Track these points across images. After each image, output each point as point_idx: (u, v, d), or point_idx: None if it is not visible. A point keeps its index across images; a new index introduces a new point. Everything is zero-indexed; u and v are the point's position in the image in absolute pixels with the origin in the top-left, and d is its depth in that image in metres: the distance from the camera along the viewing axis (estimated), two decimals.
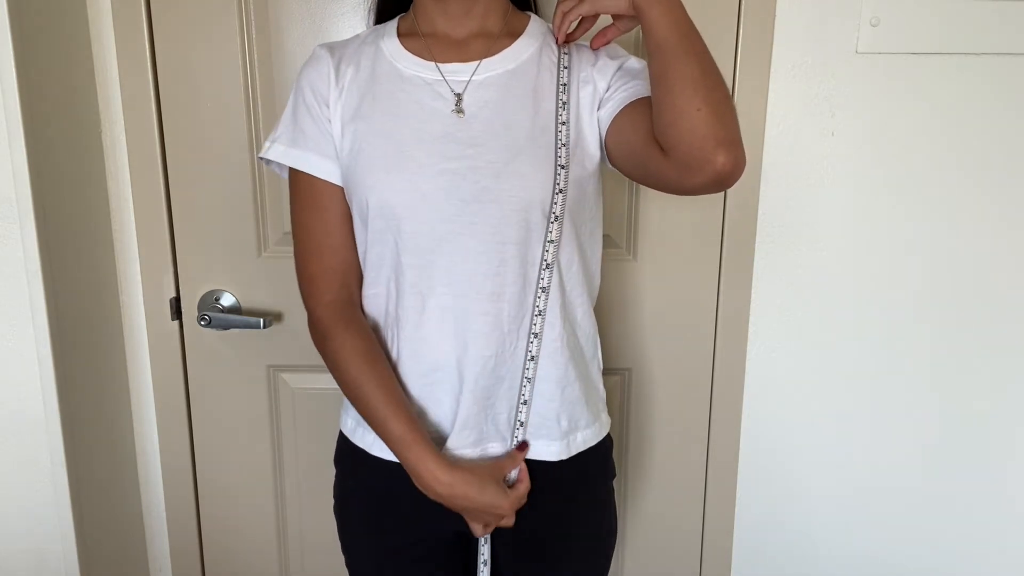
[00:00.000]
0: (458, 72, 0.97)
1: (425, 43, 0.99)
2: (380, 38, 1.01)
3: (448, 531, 1.04)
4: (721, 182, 0.84)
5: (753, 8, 1.27)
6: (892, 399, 1.43)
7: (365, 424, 1.01)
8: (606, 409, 1.11)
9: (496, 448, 1.01)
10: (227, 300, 1.40)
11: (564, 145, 0.95)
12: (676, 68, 0.84)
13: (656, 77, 0.86)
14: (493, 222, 0.93)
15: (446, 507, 0.97)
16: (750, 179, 1.33)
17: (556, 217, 0.95)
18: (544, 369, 0.99)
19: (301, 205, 1.01)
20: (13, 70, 1.12)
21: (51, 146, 1.21)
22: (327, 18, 1.30)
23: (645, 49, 0.87)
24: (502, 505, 0.96)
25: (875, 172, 1.34)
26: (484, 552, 1.03)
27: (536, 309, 0.96)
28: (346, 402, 1.05)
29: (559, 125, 0.95)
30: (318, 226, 1.00)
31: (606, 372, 1.12)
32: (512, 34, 0.99)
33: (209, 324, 1.36)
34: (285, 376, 1.44)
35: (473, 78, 0.96)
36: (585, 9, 0.91)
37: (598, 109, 0.97)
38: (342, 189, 0.99)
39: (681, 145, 0.83)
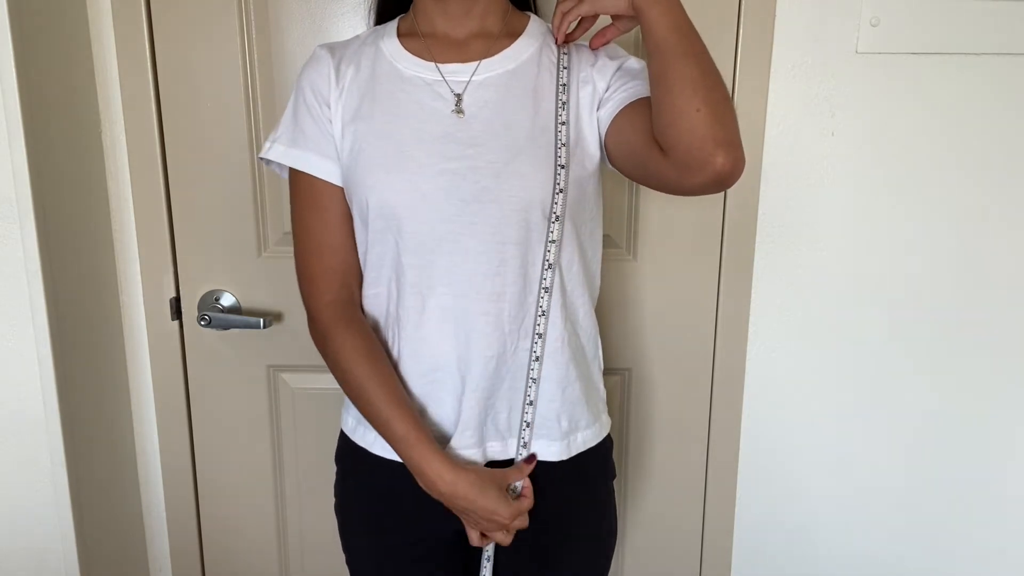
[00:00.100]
0: (458, 72, 0.97)
1: (425, 43, 0.99)
2: (380, 38, 1.01)
3: (448, 531, 1.04)
4: (720, 182, 0.84)
5: (753, 8, 1.27)
6: (892, 399, 1.43)
7: (366, 423, 1.01)
8: (607, 410, 1.11)
9: (495, 447, 1.01)
10: (227, 300, 1.40)
11: (564, 145, 0.95)
12: (675, 68, 0.84)
13: (655, 77, 0.86)
14: (493, 222, 0.93)
15: (447, 507, 0.97)
16: (750, 179, 1.33)
17: (557, 217, 0.95)
18: (545, 369, 0.99)
19: (301, 205, 1.01)
20: (13, 70, 1.12)
21: (51, 146, 1.21)
22: (327, 18, 1.30)
23: (645, 49, 0.87)
24: (500, 512, 0.96)
25: (875, 172, 1.34)
26: (488, 549, 1.03)
27: (540, 309, 0.97)
28: (347, 401, 1.05)
29: (559, 125, 0.95)
30: (318, 226, 1.00)
31: (606, 372, 1.12)
32: (512, 34, 0.99)
33: (209, 324, 1.36)
34: (285, 376, 1.44)
35: (473, 78, 0.96)
36: (584, 9, 0.91)
37: (598, 109, 0.97)
38: (342, 189, 0.99)
39: (680, 145, 0.83)
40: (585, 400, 1.04)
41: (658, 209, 1.36)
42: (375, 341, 1.00)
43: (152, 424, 1.46)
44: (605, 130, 0.97)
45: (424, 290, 0.96)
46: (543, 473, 1.01)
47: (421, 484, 0.96)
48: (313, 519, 1.50)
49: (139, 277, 1.39)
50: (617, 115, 0.95)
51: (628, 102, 0.94)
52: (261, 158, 1.02)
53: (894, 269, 1.37)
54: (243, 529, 1.51)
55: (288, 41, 1.30)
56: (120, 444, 1.43)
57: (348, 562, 1.12)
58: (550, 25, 0.99)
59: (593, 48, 0.99)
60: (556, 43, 0.98)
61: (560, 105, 0.96)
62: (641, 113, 0.91)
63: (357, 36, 1.05)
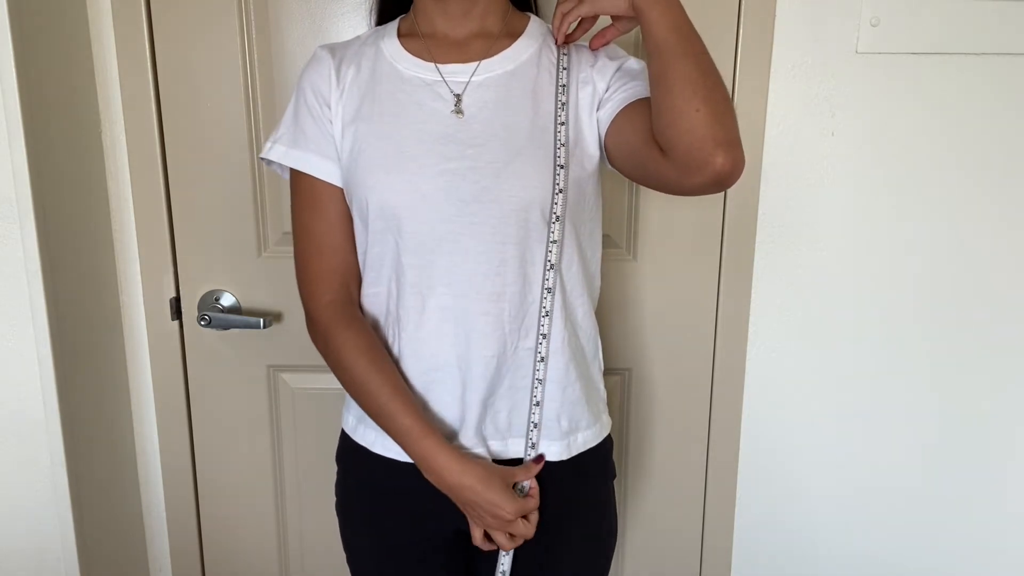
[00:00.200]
0: (457, 73, 0.97)
1: (425, 44, 0.99)
2: (380, 39, 1.01)
3: (449, 530, 1.04)
4: (720, 182, 0.84)
5: (753, 8, 1.27)
6: (892, 399, 1.43)
7: (367, 422, 1.01)
8: (607, 410, 1.11)
9: (495, 445, 1.01)
10: (227, 300, 1.40)
11: (563, 145, 0.95)
12: (675, 69, 0.84)
13: (655, 78, 0.86)
14: (493, 222, 0.93)
15: (448, 505, 0.97)
16: (750, 179, 1.33)
17: (557, 217, 0.95)
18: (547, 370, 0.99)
19: (302, 206, 1.01)
20: (13, 70, 1.12)
21: (51, 146, 1.21)
22: (327, 18, 1.30)
23: (645, 49, 0.87)
24: (505, 506, 0.95)
25: (875, 172, 1.33)
26: (504, 563, 1.02)
27: (543, 310, 0.97)
28: (348, 400, 1.05)
29: (558, 125, 0.95)
30: (318, 226, 1.00)
31: (606, 372, 1.12)
32: (512, 35, 0.99)
33: (209, 324, 1.36)
34: (285, 376, 1.44)
35: (472, 79, 0.96)
36: (584, 10, 0.91)
37: (597, 110, 0.97)
38: (342, 190, 1.00)
39: (680, 146, 0.84)
40: (585, 400, 1.04)
41: (658, 209, 1.36)
42: (375, 338, 1.00)
43: (152, 424, 1.46)
44: (605, 130, 0.97)
45: (424, 290, 0.96)
46: (543, 473, 1.01)
47: (427, 476, 0.96)
48: (313, 519, 1.50)
49: (139, 277, 1.39)
50: (617, 115, 0.95)
51: (628, 102, 0.94)
52: (262, 158, 1.02)
53: (894, 269, 1.37)
54: (243, 529, 1.51)
55: (288, 41, 1.30)
56: (120, 444, 1.43)
57: (349, 561, 1.12)
58: (550, 26, 0.99)
59: (593, 49, 0.99)
60: (556, 44, 0.98)
61: (559, 106, 0.96)
62: (641, 113, 0.91)
63: (358, 37, 1.05)
